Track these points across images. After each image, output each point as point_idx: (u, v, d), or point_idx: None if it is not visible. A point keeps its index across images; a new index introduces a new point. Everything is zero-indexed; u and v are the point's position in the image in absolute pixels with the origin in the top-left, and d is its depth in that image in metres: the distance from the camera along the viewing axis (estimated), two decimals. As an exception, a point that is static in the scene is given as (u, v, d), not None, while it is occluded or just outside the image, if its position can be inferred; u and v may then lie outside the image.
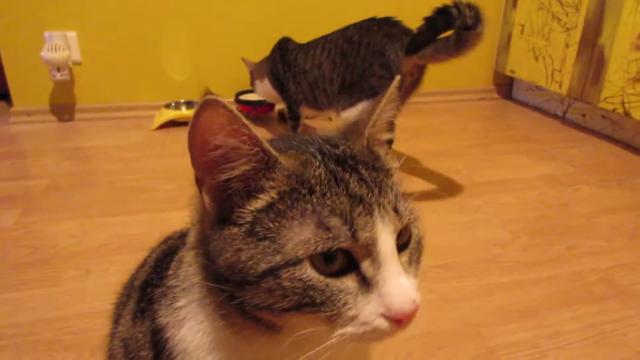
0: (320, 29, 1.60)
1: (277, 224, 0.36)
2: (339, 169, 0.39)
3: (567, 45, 1.96)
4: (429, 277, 1.07)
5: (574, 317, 0.97)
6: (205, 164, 0.37)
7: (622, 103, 1.73)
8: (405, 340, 0.89)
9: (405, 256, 0.41)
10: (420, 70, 1.46)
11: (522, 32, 2.20)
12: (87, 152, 1.77)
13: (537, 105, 2.31)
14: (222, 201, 0.38)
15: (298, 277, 0.35)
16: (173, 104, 2.00)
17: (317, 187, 0.37)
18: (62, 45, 1.83)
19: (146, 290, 0.49)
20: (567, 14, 1.95)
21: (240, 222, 0.37)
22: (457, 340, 0.90)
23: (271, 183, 0.37)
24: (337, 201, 0.36)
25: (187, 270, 0.43)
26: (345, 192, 0.37)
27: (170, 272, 0.46)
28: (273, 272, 0.35)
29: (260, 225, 0.37)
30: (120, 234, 1.21)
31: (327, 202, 0.36)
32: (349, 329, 0.37)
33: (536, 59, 2.13)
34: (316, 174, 0.38)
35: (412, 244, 0.42)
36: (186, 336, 0.42)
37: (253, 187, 0.38)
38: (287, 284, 0.35)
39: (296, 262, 0.35)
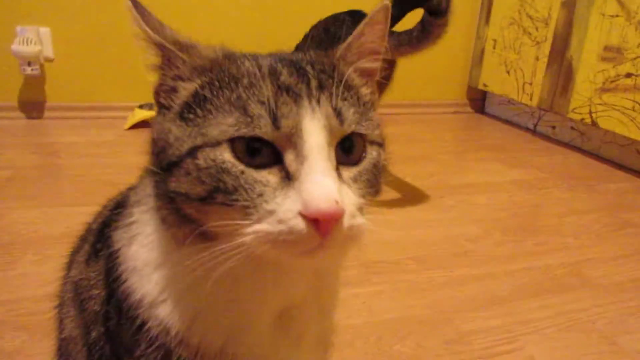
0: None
1: (203, 110, 0.36)
2: (279, 64, 0.38)
3: (537, 59, 2.02)
4: (400, 269, 1.06)
5: (545, 305, 0.96)
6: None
7: (590, 113, 1.78)
8: (375, 325, 0.87)
9: (349, 172, 0.38)
10: (390, 65, 1.45)
11: (494, 47, 2.26)
12: (55, 147, 1.72)
13: (508, 119, 2.36)
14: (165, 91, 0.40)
15: (212, 158, 0.34)
16: (147, 105, 1.98)
17: (245, 79, 0.37)
18: (34, 39, 1.79)
19: (104, 232, 0.46)
20: (537, 28, 2.01)
21: (172, 106, 0.38)
22: (428, 326, 0.89)
23: (195, 75, 0.38)
24: (265, 89, 0.35)
25: (144, 181, 0.42)
26: (275, 82, 0.36)
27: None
28: (192, 152, 0.35)
29: (188, 110, 0.37)
30: (85, 222, 1.16)
31: (254, 91, 0.36)
32: (264, 226, 0.34)
33: (508, 72, 2.19)
34: (244, 66, 0.38)
35: (364, 164, 0.39)
36: (135, 252, 0.40)
37: (172, 77, 0.39)
38: (202, 163, 0.34)
39: (214, 144, 0.35)
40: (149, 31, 0.38)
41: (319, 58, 0.41)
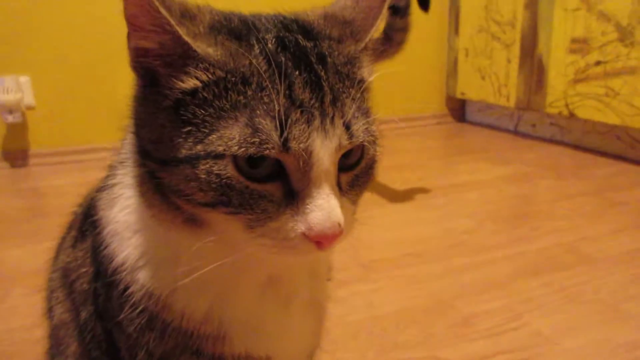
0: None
1: (202, 112, 0.33)
2: (290, 63, 0.34)
3: (509, 61, 2.08)
4: (398, 265, 1.05)
5: (545, 283, 0.96)
6: (128, 18, 0.33)
7: (566, 105, 1.82)
8: (378, 318, 0.86)
9: (348, 177, 0.37)
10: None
11: (466, 56, 2.32)
12: (40, 190, 1.70)
13: (490, 123, 2.40)
14: (146, 64, 0.34)
15: (216, 172, 0.32)
16: (131, 142, 1.98)
17: (254, 79, 0.33)
18: (14, 88, 1.81)
19: (89, 214, 0.44)
20: (504, 32, 2.08)
21: (166, 93, 0.34)
22: (431, 314, 0.87)
23: (192, 69, 0.33)
24: (275, 100, 0.32)
25: (128, 140, 0.40)
26: (287, 91, 0.32)
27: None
28: (192, 160, 0.32)
29: (184, 108, 0.33)
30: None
31: (264, 98, 0.32)
32: (268, 241, 0.34)
33: (483, 78, 2.24)
34: (253, 64, 0.33)
35: (361, 166, 0.38)
36: (116, 215, 0.39)
37: (172, 68, 0.34)
38: (204, 176, 0.32)
39: (217, 156, 0.32)
40: (169, 19, 0.32)
41: (339, 46, 0.37)
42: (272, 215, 0.34)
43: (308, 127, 0.32)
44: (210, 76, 0.33)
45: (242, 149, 0.32)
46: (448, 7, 2.40)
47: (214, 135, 0.32)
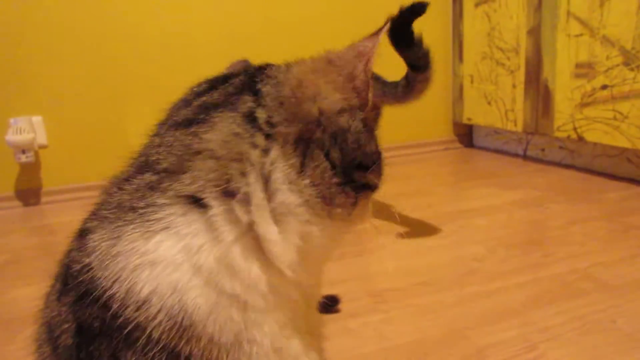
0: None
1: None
2: None
3: (514, 86, 2.09)
4: (408, 294, 1.03)
5: (560, 312, 0.93)
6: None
7: (574, 129, 1.82)
8: (389, 351, 0.84)
9: None
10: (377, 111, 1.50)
11: (472, 82, 2.34)
12: (52, 228, 1.72)
13: (498, 148, 2.39)
14: None
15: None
16: (141, 177, 2.00)
17: None
18: (26, 128, 1.85)
19: (71, 266, 0.43)
20: (508, 58, 2.09)
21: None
22: (443, 345, 0.85)
23: None
24: None
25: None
26: None
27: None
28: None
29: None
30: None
31: None
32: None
33: (489, 103, 2.25)
34: None
35: None
36: (162, 243, 0.38)
37: None
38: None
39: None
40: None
41: None
42: None
43: None
44: None
45: None
46: (451, 34, 2.43)
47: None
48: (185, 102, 0.47)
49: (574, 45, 1.78)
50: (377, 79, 1.36)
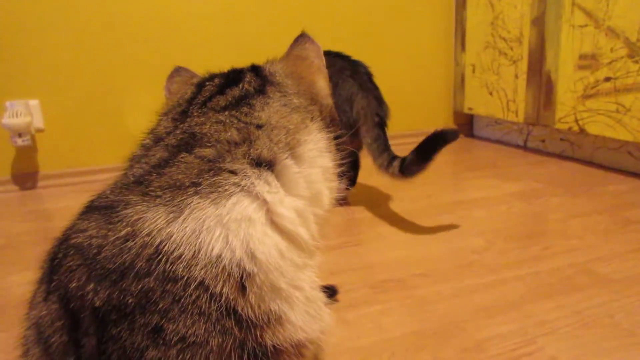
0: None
1: None
2: None
3: (516, 76, 2.07)
4: (406, 285, 1.03)
5: (559, 306, 0.93)
6: None
7: (576, 121, 1.80)
8: (387, 342, 0.84)
9: None
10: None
11: (473, 71, 2.32)
12: (48, 213, 1.71)
13: (498, 139, 2.38)
14: None
15: None
16: (139, 163, 1.99)
17: None
18: (23, 111, 1.83)
19: (55, 258, 0.43)
20: (511, 48, 2.07)
21: None
22: (441, 338, 0.85)
23: None
24: None
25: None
26: None
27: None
28: None
29: None
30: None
31: None
32: None
33: (490, 93, 2.23)
34: None
35: None
36: (230, 211, 0.42)
37: None
38: None
39: None
40: None
41: None
42: None
43: None
44: None
45: None
46: (454, 23, 2.41)
47: None
48: (211, 90, 0.51)
49: (578, 36, 1.76)
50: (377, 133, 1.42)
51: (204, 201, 0.41)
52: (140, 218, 0.40)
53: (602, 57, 1.68)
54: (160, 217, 0.40)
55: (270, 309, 0.41)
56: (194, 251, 0.38)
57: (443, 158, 2.21)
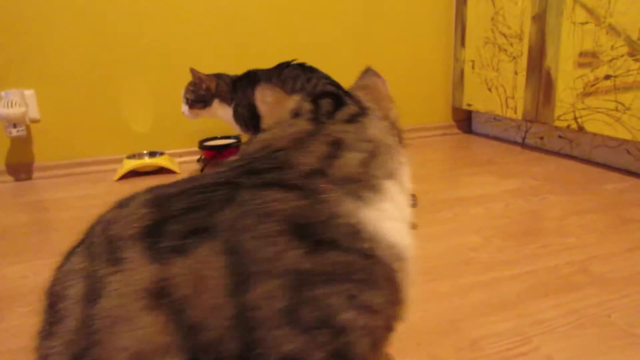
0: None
1: None
2: None
3: (516, 73, 2.06)
4: (403, 283, 1.02)
5: (555, 305, 0.93)
6: None
7: (575, 118, 1.80)
8: (382, 340, 0.83)
9: None
10: None
11: (473, 67, 2.30)
12: (43, 204, 1.70)
13: (496, 135, 2.37)
14: None
15: None
16: (135, 155, 1.98)
17: None
18: (18, 101, 1.81)
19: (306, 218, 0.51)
20: (511, 44, 2.06)
21: None
22: (436, 336, 0.85)
23: None
24: None
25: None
26: None
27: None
28: None
29: None
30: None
31: None
32: None
33: (489, 90, 2.22)
34: None
35: None
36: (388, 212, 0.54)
37: None
38: None
39: None
40: None
41: None
42: None
43: None
44: None
45: None
46: (454, 18, 2.39)
47: None
48: (331, 104, 0.60)
49: (579, 33, 1.75)
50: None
51: (375, 199, 0.54)
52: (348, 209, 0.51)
53: (603, 55, 1.67)
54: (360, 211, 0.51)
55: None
56: (375, 236, 0.50)
57: (441, 154, 2.21)
